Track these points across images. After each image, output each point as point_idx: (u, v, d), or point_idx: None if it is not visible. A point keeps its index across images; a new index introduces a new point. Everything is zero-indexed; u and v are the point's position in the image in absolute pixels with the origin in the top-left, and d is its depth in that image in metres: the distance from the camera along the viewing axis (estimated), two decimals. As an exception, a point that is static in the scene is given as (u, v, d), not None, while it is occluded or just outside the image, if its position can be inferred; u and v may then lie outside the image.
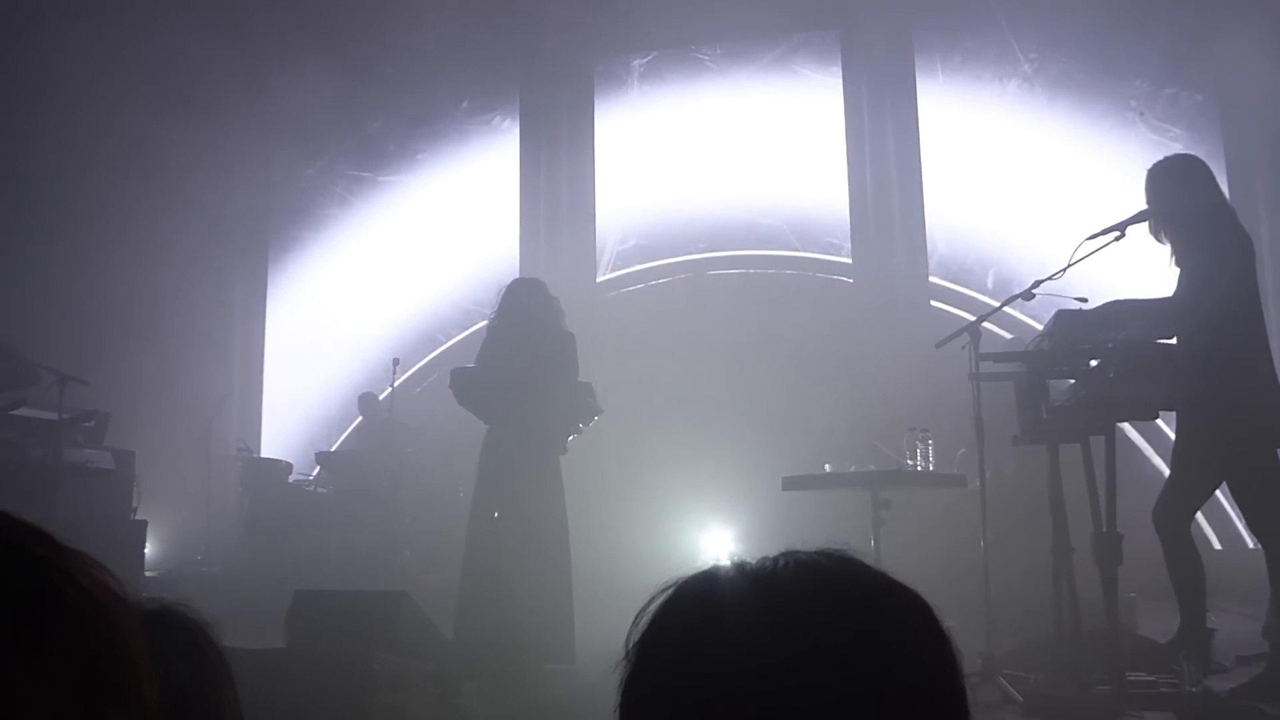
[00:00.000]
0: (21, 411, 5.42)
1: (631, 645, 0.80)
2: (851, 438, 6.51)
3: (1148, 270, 4.50)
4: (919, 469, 4.92)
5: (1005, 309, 4.95)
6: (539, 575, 5.08)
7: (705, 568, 0.82)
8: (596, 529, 6.92)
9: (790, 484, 5.13)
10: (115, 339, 7.91)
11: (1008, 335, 7.28)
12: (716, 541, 7.98)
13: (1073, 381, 4.21)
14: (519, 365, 5.28)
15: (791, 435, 7.19)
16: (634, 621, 0.81)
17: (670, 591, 0.81)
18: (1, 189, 7.30)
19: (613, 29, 9.65)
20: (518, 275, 7.71)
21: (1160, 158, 4.39)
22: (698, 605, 0.79)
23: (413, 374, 9.54)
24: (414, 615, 4.33)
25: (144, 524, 6.35)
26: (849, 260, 9.02)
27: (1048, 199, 8.43)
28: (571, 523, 5.38)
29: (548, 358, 5.32)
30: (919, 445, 4.93)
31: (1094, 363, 4.05)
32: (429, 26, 9.29)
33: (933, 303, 8.66)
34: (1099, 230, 4.18)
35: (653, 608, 0.81)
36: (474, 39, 9.74)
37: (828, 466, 5.15)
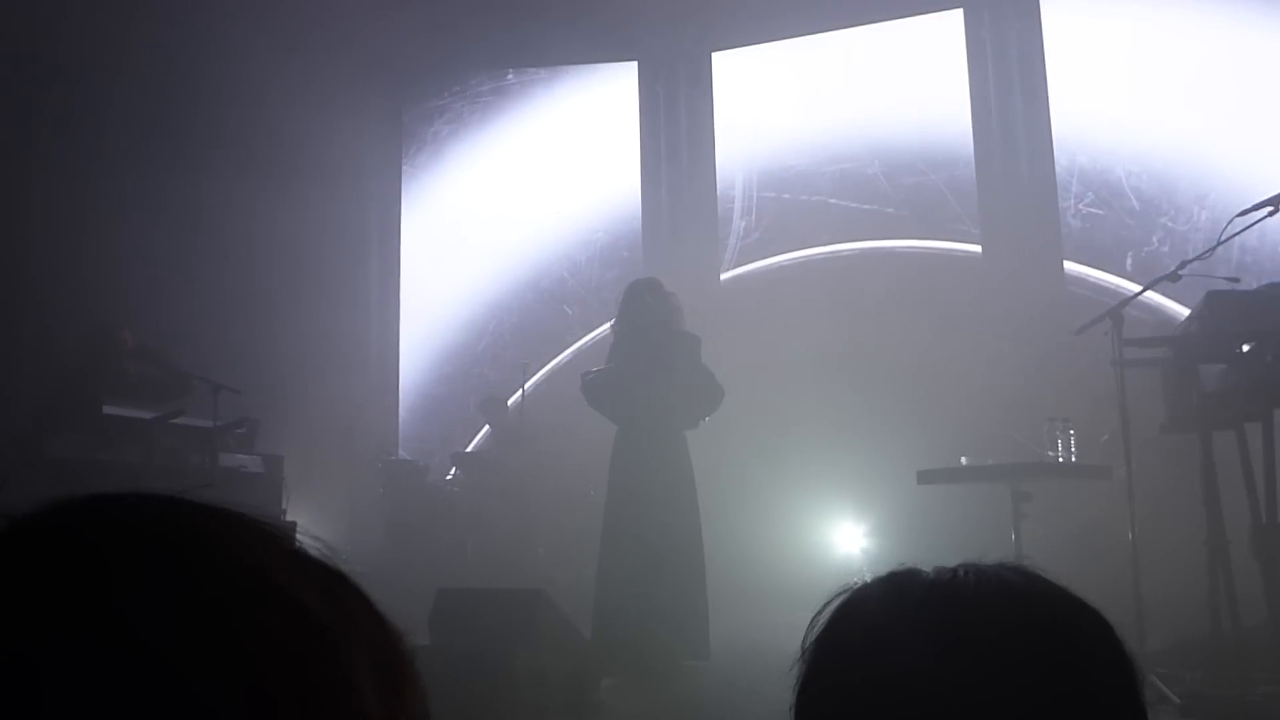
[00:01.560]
0: (180, 420, 5.71)
1: (809, 645, 0.81)
2: (988, 429, 6.35)
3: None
4: (1060, 460, 4.76)
5: (1143, 293, 4.76)
6: (674, 572, 5.12)
7: (883, 574, 0.82)
8: (728, 526, 6.93)
9: (926, 478, 5.04)
10: (261, 347, 8.25)
11: (1148, 320, 6.99)
12: (848, 536, 7.89)
13: (1224, 366, 4.02)
14: (645, 365, 5.34)
15: (925, 428, 7.05)
16: (810, 623, 0.81)
17: (848, 595, 0.82)
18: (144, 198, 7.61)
19: (729, 21, 9.64)
20: (642, 275, 7.76)
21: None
22: (876, 610, 0.79)
23: (542, 374, 9.71)
24: (551, 613, 4.41)
25: (293, 525, 6.61)
26: (979, 248, 8.78)
27: (1188, 172, 8.06)
28: (703, 519, 5.41)
29: (672, 355, 5.37)
30: (1060, 436, 4.78)
31: (1246, 347, 3.87)
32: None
33: (1069, 288, 8.37)
34: (1250, 206, 3.98)
35: (830, 610, 0.81)
36: (592, 35, 9.86)
37: (964, 459, 5.03)
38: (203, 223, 8.09)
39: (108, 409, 5.49)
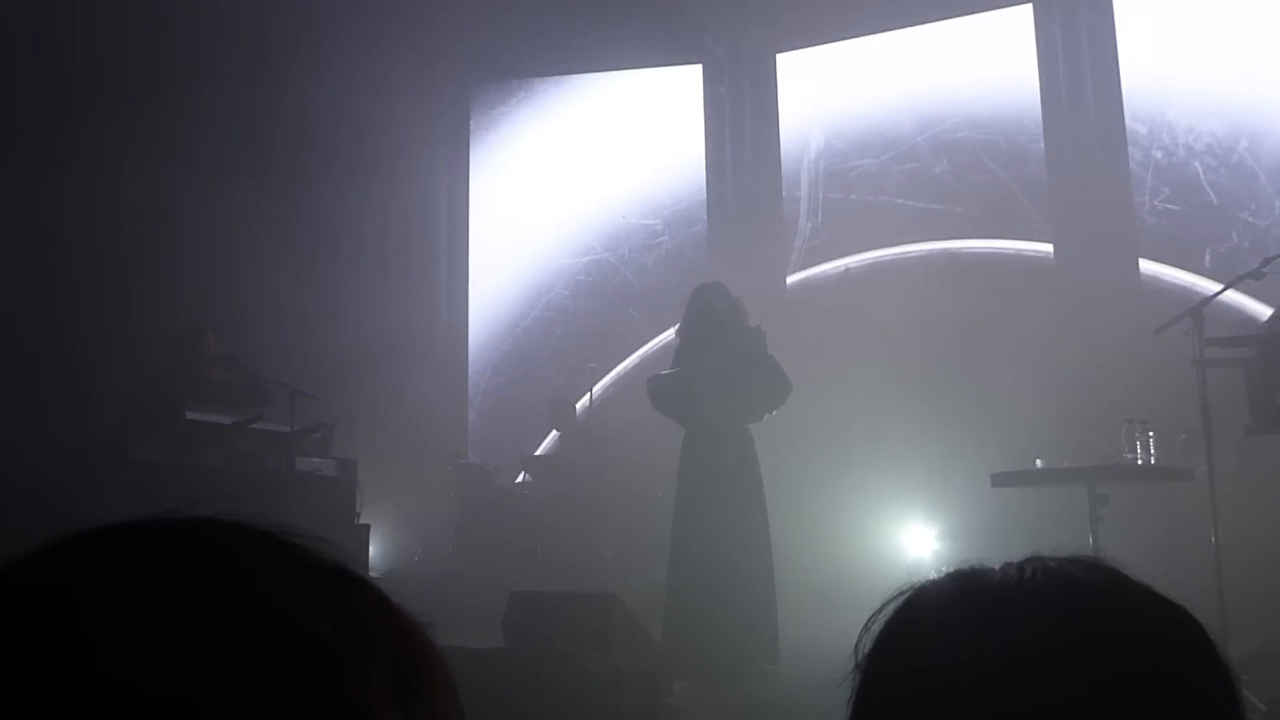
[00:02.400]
0: (258, 426, 5.83)
1: (863, 655, 0.75)
2: (1063, 431, 6.25)
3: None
4: (1140, 462, 4.66)
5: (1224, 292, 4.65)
6: (743, 576, 5.12)
7: (941, 574, 0.75)
8: (798, 528, 6.90)
9: (1000, 480, 4.97)
10: (334, 352, 8.39)
11: (1229, 318, 6.81)
12: (919, 539, 7.82)
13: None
14: (711, 368, 5.35)
15: (997, 429, 6.96)
16: (865, 627, 0.76)
17: (904, 599, 0.75)
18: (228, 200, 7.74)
19: (793, 22, 9.62)
20: (707, 278, 7.77)
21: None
22: (941, 608, 0.73)
23: (609, 377, 9.76)
24: (623, 616, 4.44)
25: (367, 528, 6.71)
26: (1050, 247, 8.63)
27: (1269, 165, 7.84)
28: (772, 522, 5.40)
29: (739, 357, 5.37)
30: (1138, 438, 4.68)
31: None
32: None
33: (1144, 286, 8.19)
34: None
35: (885, 614, 0.75)
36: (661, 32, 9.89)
37: (1039, 462, 4.96)
38: (275, 229, 8.25)
39: (190, 415, 5.63)
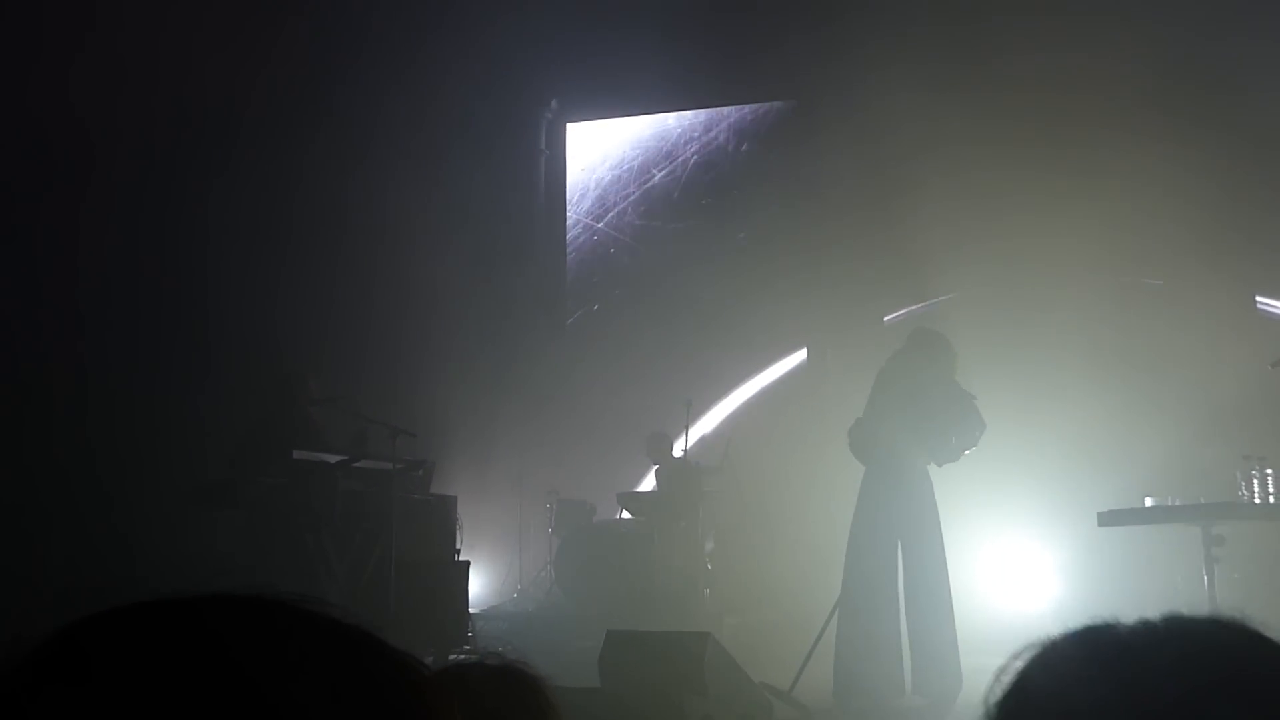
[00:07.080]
0: (362, 464, 5.96)
1: (992, 705, 0.74)
2: (1176, 467, 6.03)
3: None
4: (1257, 501, 4.47)
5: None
6: (864, 610, 5.09)
7: (1078, 628, 0.74)
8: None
9: (1107, 520, 4.81)
10: (435, 390, 8.55)
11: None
12: (1031, 573, 7.62)
13: None
14: (886, 411, 5.35)
15: (1110, 465, 6.75)
16: (995, 678, 0.75)
17: (1036, 652, 0.74)
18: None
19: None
20: (803, 316, 7.72)
21: None
22: (1068, 670, 0.71)
23: (708, 415, 9.76)
24: (719, 656, 4.41)
25: (467, 564, 6.78)
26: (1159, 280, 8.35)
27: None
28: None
29: (921, 403, 5.35)
30: (1255, 475, 4.48)
31: None
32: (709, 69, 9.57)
33: (1260, 317, 7.88)
34: None
35: (1017, 665, 0.74)
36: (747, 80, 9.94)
37: (1148, 500, 4.78)
38: (378, 275, 8.47)
39: (296, 454, 5.79)
